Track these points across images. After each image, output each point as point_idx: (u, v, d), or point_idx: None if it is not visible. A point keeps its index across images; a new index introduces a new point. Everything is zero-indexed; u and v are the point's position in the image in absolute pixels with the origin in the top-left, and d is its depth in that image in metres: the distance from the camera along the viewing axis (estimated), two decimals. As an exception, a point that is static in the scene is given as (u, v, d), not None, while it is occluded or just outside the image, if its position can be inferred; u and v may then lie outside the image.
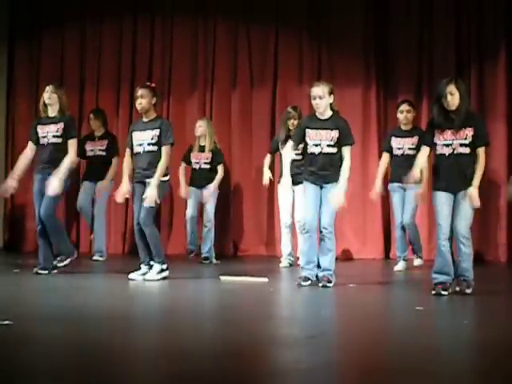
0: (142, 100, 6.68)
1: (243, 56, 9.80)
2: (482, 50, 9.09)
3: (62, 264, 7.03)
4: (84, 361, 3.48)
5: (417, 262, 7.95)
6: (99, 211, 8.80)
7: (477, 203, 5.66)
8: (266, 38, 9.76)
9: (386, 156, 7.92)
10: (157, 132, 6.66)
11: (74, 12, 10.14)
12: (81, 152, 8.30)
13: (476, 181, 5.66)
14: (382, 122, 9.36)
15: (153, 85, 6.95)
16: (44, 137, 7.06)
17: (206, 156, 8.62)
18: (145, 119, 6.77)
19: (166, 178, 6.73)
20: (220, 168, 8.65)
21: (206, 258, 8.49)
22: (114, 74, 10.08)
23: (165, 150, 6.65)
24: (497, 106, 8.97)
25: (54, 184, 6.83)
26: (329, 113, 6.32)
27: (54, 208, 7.05)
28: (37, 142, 7.10)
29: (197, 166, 8.66)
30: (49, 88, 7.10)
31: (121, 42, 10.10)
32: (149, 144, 6.66)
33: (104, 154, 8.77)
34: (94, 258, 8.67)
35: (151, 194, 6.52)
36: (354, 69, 9.42)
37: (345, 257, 9.17)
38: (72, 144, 7.02)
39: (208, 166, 8.61)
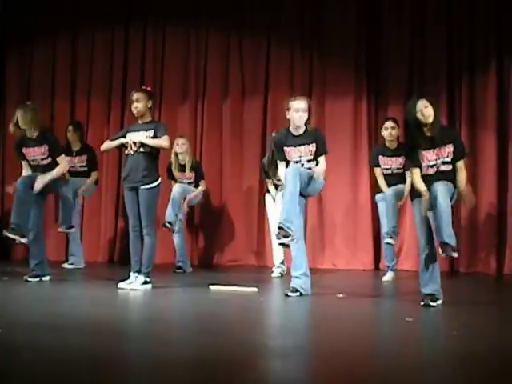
0: (138, 104, 6.66)
1: (235, 66, 9.82)
2: (472, 62, 9.13)
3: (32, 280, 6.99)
4: (70, 370, 3.46)
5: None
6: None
7: (471, 199, 5.66)
8: (258, 48, 9.78)
9: (378, 169, 7.94)
10: (151, 133, 6.62)
11: (66, 21, 10.13)
12: None
13: (462, 184, 5.65)
14: (373, 135, 9.36)
15: (148, 88, 6.96)
16: (33, 160, 7.10)
17: (189, 176, 8.50)
18: (140, 122, 6.75)
19: (157, 183, 6.70)
20: (202, 183, 8.58)
21: (180, 268, 8.48)
22: (106, 83, 10.07)
23: (164, 139, 6.60)
24: (487, 118, 9.00)
25: (38, 183, 6.91)
26: (303, 127, 6.34)
27: (40, 221, 7.07)
28: (25, 159, 7.17)
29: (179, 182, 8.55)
30: (16, 115, 7.02)
31: (112, 52, 10.09)
32: (143, 145, 6.62)
33: (86, 169, 8.79)
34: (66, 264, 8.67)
35: (136, 138, 6.55)
36: (345, 80, 9.45)
37: (334, 267, 9.18)
38: (62, 159, 7.11)
39: (193, 186, 8.55)
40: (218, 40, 9.85)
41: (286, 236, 5.98)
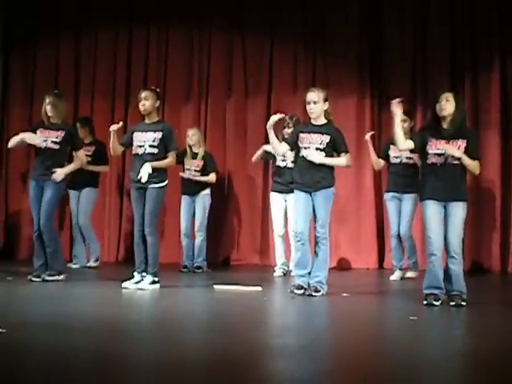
0: (146, 102, 6.72)
1: (238, 67, 9.82)
2: (475, 62, 9.13)
3: (51, 278, 6.99)
4: (76, 370, 3.47)
5: (410, 273, 7.91)
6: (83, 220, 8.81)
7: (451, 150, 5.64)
8: (261, 48, 9.78)
9: (382, 162, 7.96)
10: (159, 135, 6.68)
11: (69, 22, 10.13)
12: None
13: (466, 159, 5.64)
14: (377, 133, 9.36)
15: (157, 89, 7.01)
16: (44, 141, 7.09)
17: (197, 163, 8.61)
18: (147, 121, 6.80)
19: (165, 183, 6.73)
20: (212, 175, 8.65)
21: (199, 268, 8.51)
22: (109, 83, 10.08)
23: (171, 155, 6.72)
24: (490, 118, 9.00)
25: (58, 174, 7.01)
26: (323, 120, 6.36)
27: (52, 218, 7.09)
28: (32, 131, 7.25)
29: (188, 173, 8.64)
30: (48, 99, 7.14)
31: (116, 52, 10.10)
32: (150, 146, 6.66)
33: (90, 159, 8.74)
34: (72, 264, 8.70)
35: (147, 169, 6.58)
36: (349, 79, 9.45)
37: (339, 266, 9.18)
38: (81, 153, 7.29)
39: (198, 174, 8.60)
40: (220, 40, 9.86)
41: (317, 291, 6.20)
